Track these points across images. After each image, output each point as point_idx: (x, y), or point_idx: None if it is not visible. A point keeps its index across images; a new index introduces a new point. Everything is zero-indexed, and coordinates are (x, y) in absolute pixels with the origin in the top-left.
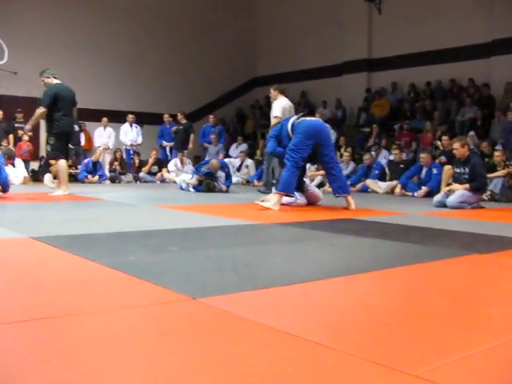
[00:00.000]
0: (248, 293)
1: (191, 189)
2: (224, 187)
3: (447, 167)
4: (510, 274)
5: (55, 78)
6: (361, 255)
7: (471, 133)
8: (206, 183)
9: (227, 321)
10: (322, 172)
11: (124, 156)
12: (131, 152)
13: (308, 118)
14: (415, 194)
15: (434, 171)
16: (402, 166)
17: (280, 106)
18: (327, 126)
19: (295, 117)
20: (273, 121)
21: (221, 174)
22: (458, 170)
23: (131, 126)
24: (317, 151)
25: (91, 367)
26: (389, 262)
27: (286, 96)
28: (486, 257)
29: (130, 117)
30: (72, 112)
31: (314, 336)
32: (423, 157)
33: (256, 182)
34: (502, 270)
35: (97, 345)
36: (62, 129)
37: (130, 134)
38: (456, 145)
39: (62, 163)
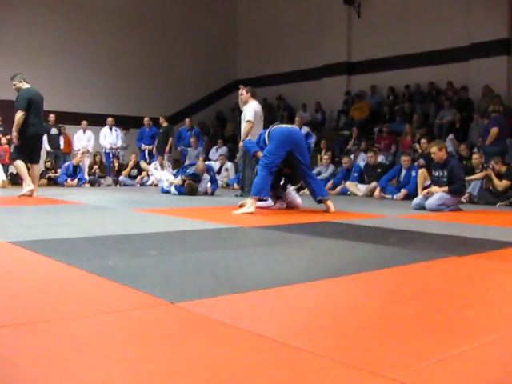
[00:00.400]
0: (226, 297)
1: (173, 189)
2: (209, 189)
3: (422, 170)
4: (488, 276)
5: (26, 82)
6: (339, 258)
7: (451, 136)
8: (189, 184)
9: (205, 325)
10: None
11: (104, 159)
12: (111, 155)
13: (283, 126)
14: (394, 197)
15: (413, 174)
16: (378, 170)
17: (252, 109)
18: (301, 132)
19: (271, 126)
20: (246, 125)
21: (206, 177)
22: (436, 174)
23: (111, 129)
24: (292, 158)
25: (67, 373)
26: (367, 264)
27: (256, 99)
28: (464, 259)
29: (110, 120)
30: (42, 116)
31: (290, 339)
32: (405, 159)
33: (236, 186)
34: (480, 272)
35: (73, 350)
36: (36, 132)
37: (110, 137)
38: (433, 149)
39: (19, 163)
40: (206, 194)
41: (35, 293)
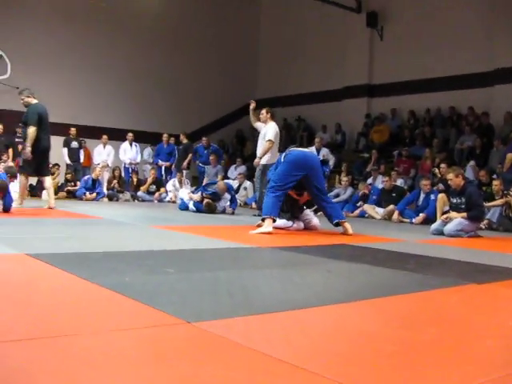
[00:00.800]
0: (242, 318)
1: (191, 205)
2: (230, 209)
3: (441, 195)
4: (507, 304)
5: (34, 97)
6: (356, 282)
7: (472, 162)
8: (208, 203)
9: (221, 346)
10: None
11: (123, 174)
12: (130, 170)
13: (299, 149)
14: (413, 221)
15: (432, 197)
16: (393, 194)
17: (275, 130)
18: (317, 157)
19: (288, 148)
20: (266, 144)
21: (226, 196)
22: (454, 201)
23: (131, 144)
24: (307, 182)
25: None
26: (384, 289)
27: (275, 120)
28: (483, 287)
29: (130, 135)
30: (49, 131)
31: (306, 364)
32: (425, 184)
33: (254, 205)
34: (499, 300)
35: (88, 366)
36: (45, 146)
37: (130, 152)
38: (450, 175)
39: (22, 179)
40: (224, 212)
41: (51, 306)
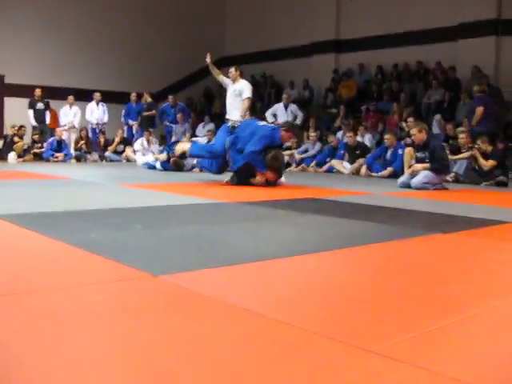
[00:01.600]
0: (210, 270)
1: (158, 165)
2: (197, 169)
3: (408, 149)
4: (471, 252)
5: None
6: (324, 234)
7: (437, 116)
8: (175, 161)
9: (187, 298)
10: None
11: (90, 135)
12: (97, 131)
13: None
14: (378, 174)
15: (400, 152)
16: (357, 151)
17: (250, 86)
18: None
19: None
20: (246, 102)
21: None
22: (419, 155)
23: (98, 104)
24: None
25: (48, 344)
26: (352, 240)
27: (245, 78)
28: (449, 236)
29: (97, 95)
30: None
31: (273, 313)
32: (388, 138)
33: None
34: (464, 248)
35: (55, 321)
36: None
37: (96, 112)
38: (413, 130)
39: None
40: (192, 169)
41: (18, 265)
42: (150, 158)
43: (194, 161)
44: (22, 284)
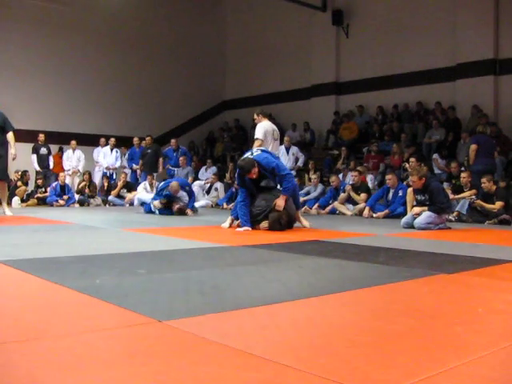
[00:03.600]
0: (214, 315)
1: (157, 211)
2: (189, 211)
3: (410, 189)
4: (476, 292)
5: None
6: (328, 276)
7: (434, 155)
8: (179, 209)
9: (192, 343)
10: None
11: (93, 179)
12: (107, 174)
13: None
14: (374, 216)
15: (400, 193)
16: (359, 192)
17: (263, 128)
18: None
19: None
20: (255, 143)
21: (182, 194)
22: (418, 198)
23: (112, 150)
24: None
25: None
26: (356, 282)
27: (269, 120)
28: (453, 277)
29: (112, 140)
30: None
31: (279, 357)
32: (389, 178)
33: (225, 205)
34: (468, 289)
35: (59, 369)
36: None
37: (109, 157)
38: (414, 177)
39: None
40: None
41: (21, 311)
42: (145, 196)
43: (187, 199)
44: (23, 331)
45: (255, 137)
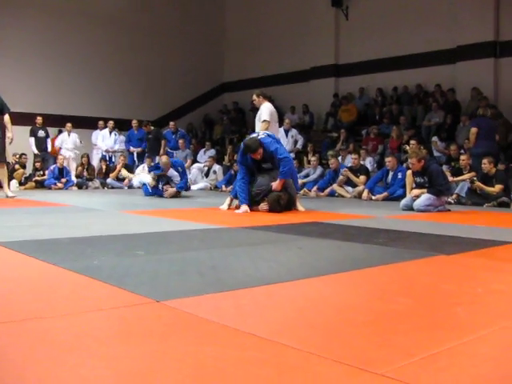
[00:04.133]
0: (212, 295)
1: (150, 189)
2: (173, 190)
3: (410, 171)
4: (475, 273)
5: None
6: (327, 257)
7: (434, 138)
8: (169, 193)
9: (190, 323)
10: None
11: (91, 161)
12: (107, 157)
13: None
14: (373, 198)
15: (399, 176)
16: (358, 174)
17: (268, 110)
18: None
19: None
20: (262, 125)
21: (173, 173)
22: (417, 180)
23: (110, 132)
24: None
25: (51, 370)
26: (356, 263)
27: (270, 101)
28: (452, 257)
29: (110, 123)
30: None
31: (278, 337)
32: (389, 160)
33: (224, 188)
34: (467, 269)
35: (58, 348)
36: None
37: (108, 140)
38: (413, 160)
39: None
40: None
41: (19, 292)
42: (145, 178)
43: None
44: (21, 311)
45: (262, 118)
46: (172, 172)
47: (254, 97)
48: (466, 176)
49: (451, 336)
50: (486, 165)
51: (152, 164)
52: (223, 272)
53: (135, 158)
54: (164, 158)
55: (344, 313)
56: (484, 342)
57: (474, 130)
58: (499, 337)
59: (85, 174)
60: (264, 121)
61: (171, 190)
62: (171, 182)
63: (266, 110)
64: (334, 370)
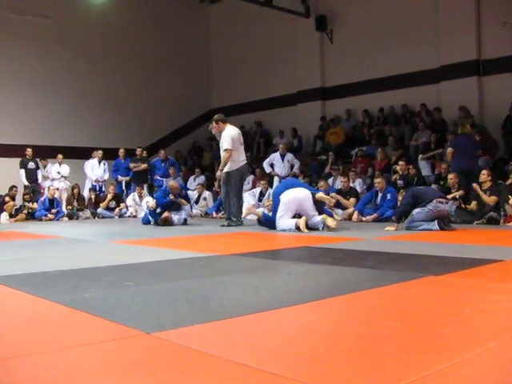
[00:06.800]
0: (201, 325)
1: (151, 218)
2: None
3: (401, 191)
4: (462, 294)
5: None
6: (315, 282)
7: (420, 156)
8: (165, 219)
9: (179, 354)
10: None
11: (83, 192)
12: (97, 188)
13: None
14: (363, 219)
15: (388, 196)
16: (348, 196)
17: (229, 136)
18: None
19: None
20: (224, 154)
21: (186, 208)
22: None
23: (99, 162)
24: None
25: None
26: (344, 288)
27: (229, 124)
28: (440, 278)
29: (99, 152)
30: None
31: (266, 365)
32: (378, 182)
33: (214, 214)
34: (455, 290)
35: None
36: None
37: (97, 169)
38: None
39: None
40: (185, 223)
41: (7, 327)
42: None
43: (183, 216)
44: (10, 347)
45: (224, 148)
46: (186, 207)
47: (213, 124)
48: (458, 193)
49: (439, 358)
50: (485, 176)
51: (142, 192)
52: (212, 301)
53: (123, 187)
54: (174, 184)
55: (332, 339)
56: (472, 364)
57: (449, 150)
58: (487, 358)
59: (75, 204)
60: (226, 150)
61: (168, 214)
62: (179, 209)
63: (226, 138)
64: None
